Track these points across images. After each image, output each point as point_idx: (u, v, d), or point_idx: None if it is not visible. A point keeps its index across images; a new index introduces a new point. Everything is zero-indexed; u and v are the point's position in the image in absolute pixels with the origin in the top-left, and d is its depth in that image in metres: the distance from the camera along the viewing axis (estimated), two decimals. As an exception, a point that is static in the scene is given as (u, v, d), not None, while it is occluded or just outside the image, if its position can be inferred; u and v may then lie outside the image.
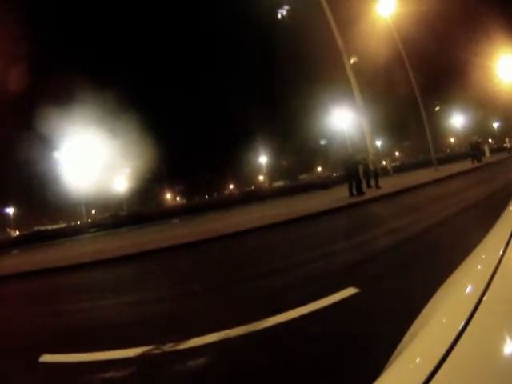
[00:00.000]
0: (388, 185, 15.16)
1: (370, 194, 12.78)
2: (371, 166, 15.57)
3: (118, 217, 34.35)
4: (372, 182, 15.45)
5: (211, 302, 3.77)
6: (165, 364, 2.43)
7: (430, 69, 34.07)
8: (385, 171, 24.84)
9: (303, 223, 8.99)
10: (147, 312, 3.87)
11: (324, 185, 23.45)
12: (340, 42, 20.65)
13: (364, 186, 14.16)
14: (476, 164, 20.91)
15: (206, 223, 13.62)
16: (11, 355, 3.11)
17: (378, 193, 12.91)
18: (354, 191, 12.71)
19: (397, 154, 63.12)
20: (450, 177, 16.09)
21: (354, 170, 13.09)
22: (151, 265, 7.47)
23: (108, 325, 3.66)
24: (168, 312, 3.75)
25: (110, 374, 2.39)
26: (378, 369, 0.58)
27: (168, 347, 2.61)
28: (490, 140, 49.72)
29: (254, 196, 29.82)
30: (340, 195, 13.40)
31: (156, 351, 2.60)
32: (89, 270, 7.74)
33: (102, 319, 3.93)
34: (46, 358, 2.84)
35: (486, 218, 1.22)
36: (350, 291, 3.08)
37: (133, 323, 3.53)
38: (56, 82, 38.04)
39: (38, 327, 3.97)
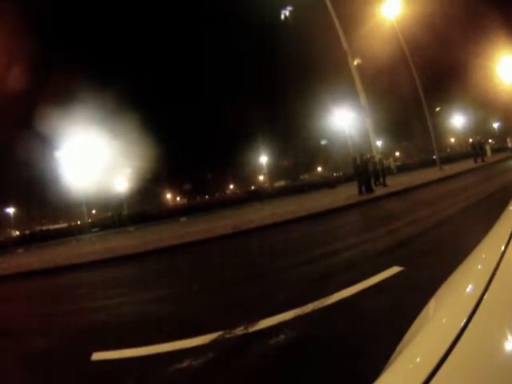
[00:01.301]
0: (394, 183, 15.34)
1: (378, 191, 12.98)
2: (378, 165, 15.79)
3: (121, 216, 34.32)
4: (379, 180, 15.68)
5: (269, 286, 3.87)
6: (242, 346, 2.40)
7: (431, 69, 34.27)
8: (389, 170, 25.03)
9: (325, 218, 9.26)
10: (205, 301, 3.81)
11: (329, 184, 23.64)
12: (345, 43, 20.77)
13: (372, 183, 14.36)
14: (479, 163, 21.13)
15: (220, 220, 13.57)
16: (61, 356, 2.91)
17: (385, 191, 13.09)
18: (363, 189, 12.92)
19: (397, 153, 63.32)
20: (454, 175, 16.26)
21: (364, 169, 13.32)
22: (189, 257, 7.54)
23: (158, 317, 3.50)
24: (220, 300, 3.74)
25: (187, 363, 2.30)
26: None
27: (239, 331, 2.60)
28: (490, 140, 49.95)
29: (257, 195, 29.89)
30: (349, 193, 13.60)
31: (228, 336, 2.55)
32: (110, 266, 7.77)
33: (141, 313, 3.78)
34: (99, 355, 2.67)
35: (493, 211, 1.34)
36: (395, 269, 3.38)
37: (187, 313, 3.44)
38: (56, 81, 37.92)
39: (76, 325, 3.77)
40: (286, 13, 25.74)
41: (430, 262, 3.52)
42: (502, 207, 1.16)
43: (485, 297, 0.55)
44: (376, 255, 4.35)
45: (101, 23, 64.69)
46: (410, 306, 2.26)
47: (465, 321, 0.50)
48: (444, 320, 0.59)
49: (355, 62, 21.25)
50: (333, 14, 20.20)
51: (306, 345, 2.31)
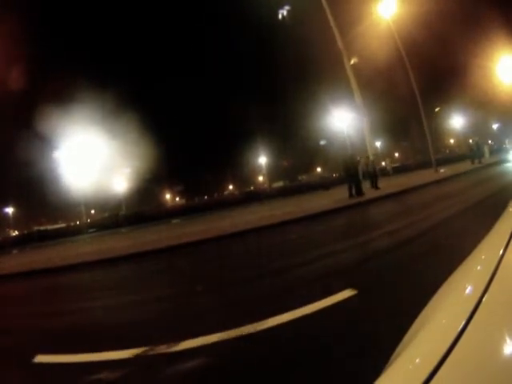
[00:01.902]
0: (387, 185, 15.15)
1: (368, 194, 12.74)
2: (370, 167, 15.54)
3: (118, 217, 34.34)
4: (373, 183, 15.45)
5: (209, 303, 3.77)
6: (158, 366, 2.43)
7: (430, 69, 34.04)
8: (384, 172, 24.85)
9: (303, 223, 9.07)
10: (147, 312, 3.86)
11: (324, 185, 23.36)
12: (340, 43, 20.66)
13: (368, 186, 14.28)
14: (476, 164, 20.94)
15: (207, 223, 13.58)
16: (5, 356, 3.08)
17: (376, 194, 12.88)
18: (354, 192, 12.66)
19: (396, 154, 63.00)
20: (449, 178, 16.11)
21: (354, 171, 13.02)
22: (151, 264, 7.54)
23: (106, 325, 3.63)
24: (163, 312, 3.76)
25: (103, 375, 2.38)
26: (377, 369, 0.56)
27: (162, 349, 2.60)
28: (490, 141, 49.57)
29: (254, 196, 29.85)
30: (340, 196, 13.33)
31: (150, 353, 2.57)
32: (88, 270, 7.75)
33: (99, 319, 3.91)
34: (41, 358, 2.81)
35: (483, 220, 1.23)
36: (346, 294, 3.04)
37: (132, 323, 3.51)
38: (56, 81, 37.94)
39: (33, 327, 3.94)
40: (283, 12, 25.54)
41: (392, 285, 3.19)
42: (494, 214, 1.11)
43: (484, 298, 0.55)
44: (335, 273, 4.05)
45: (100, 23, 64.73)
46: (340, 345, 2.14)
47: (464, 321, 0.50)
48: (444, 320, 0.59)
49: (352, 61, 21.08)
50: (328, 13, 20.06)
51: (218, 372, 2.23)
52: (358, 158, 14.38)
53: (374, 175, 15.32)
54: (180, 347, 2.58)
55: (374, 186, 14.89)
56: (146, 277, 6.22)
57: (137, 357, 2.55)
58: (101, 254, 9.09)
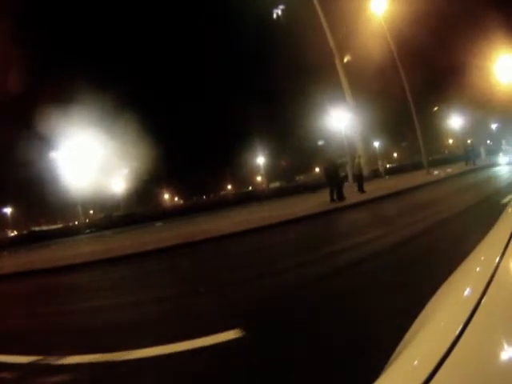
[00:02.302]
0: (375, 188, 14.83)
1: (351, 199, 12.25)
2: (356, 169, 15.05)
3: (112, 218, 34.37)
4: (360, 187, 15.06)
5: (95, 321, 3.83)
6: (36, 375, 2.57)
7: (429, 69, 33.63)
8: (377, 173, 24.52)
9: (264, 233, 8.69)
10: (60, 321, 4.08)
11: (313, 187, 22.96)
12: (331, 42, 20.48)
13: (355, 189, 14.03)
14: (470, 166, 20.62)
15: (187, 226, 13.52)
16: None
17: (359, 198, 12.45)
18: (335, 196, 12.22)
19: (395, 155, 62.51)
20: (440, 180, 15.85)
21: (335, 174, 12.50)
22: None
23: (26, 330, 3.86)
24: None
25: None
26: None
27: (53, 359, 2.70)
28: (488, 141, 48.94)
29: (249, 197, 29.79)
30: (322, 200, 12.85)
31: (42, 362, 2.70)
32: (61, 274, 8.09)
33: (23, 325, 4.16)
34: None
35: (463, 235, 1.05)
36: (229, 335, 2.55)
37: (47, 331, 3.73)
38: (55, 82, 38.00)
39: None
40: (278, 12, 25.44)
41: (288, 335, 2.55)
42: (478, 227, 1.09)
43: (483, 299, 0.55)
44: (234, 307, 3.45)
45: (100, 23, 64.65)
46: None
47: (464, 322, 0.50)
48: (443, 321, 0.59)
49: (345, 60, 20.89)
50: (319, 11, 19.89)
51: None
52: (340, 161, 13.93)
53: (360, 178, 14.79)
54: (64, 361, 2.66)
55: (360, 189, 14.39)
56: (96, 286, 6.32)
57: (29, 364, 2.68)
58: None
